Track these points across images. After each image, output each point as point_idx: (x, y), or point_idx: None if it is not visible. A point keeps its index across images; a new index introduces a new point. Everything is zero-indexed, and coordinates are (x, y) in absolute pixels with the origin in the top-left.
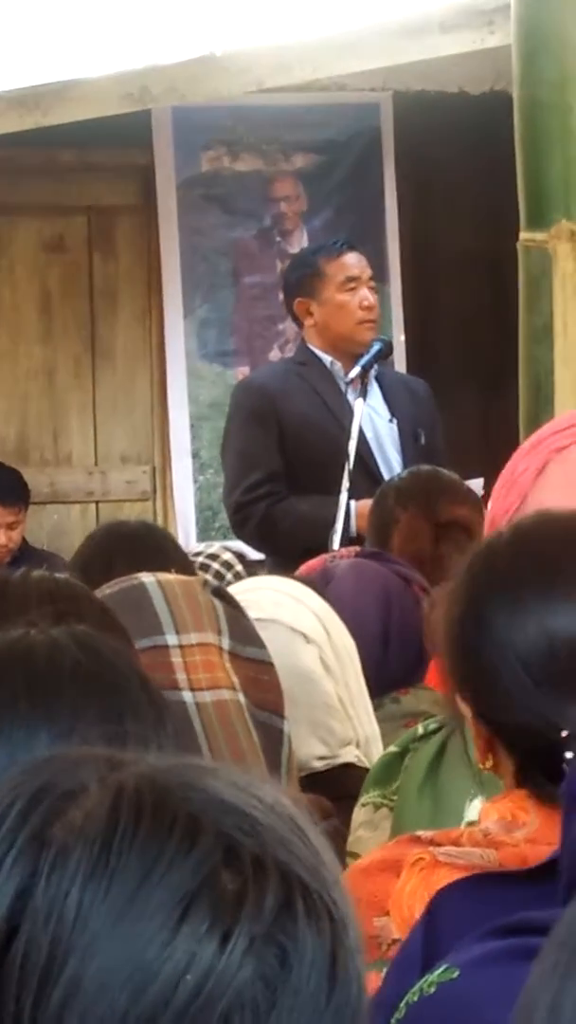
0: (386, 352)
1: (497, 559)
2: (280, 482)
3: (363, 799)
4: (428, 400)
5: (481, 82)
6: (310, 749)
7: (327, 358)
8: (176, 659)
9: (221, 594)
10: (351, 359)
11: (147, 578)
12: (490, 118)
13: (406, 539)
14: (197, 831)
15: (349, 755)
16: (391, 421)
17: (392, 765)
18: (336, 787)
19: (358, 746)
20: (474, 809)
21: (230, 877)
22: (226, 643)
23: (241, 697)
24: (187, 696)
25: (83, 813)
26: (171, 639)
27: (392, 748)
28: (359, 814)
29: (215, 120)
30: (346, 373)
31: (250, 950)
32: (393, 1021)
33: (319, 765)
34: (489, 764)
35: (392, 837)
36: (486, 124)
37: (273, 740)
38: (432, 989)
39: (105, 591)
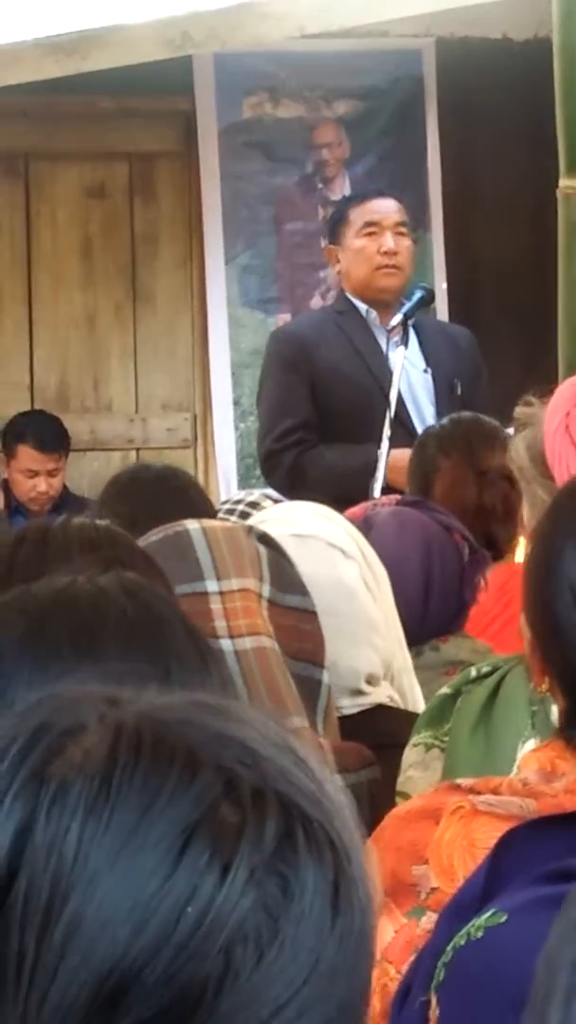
0: (428, 300)
1: None
2: (311, 430)
3: (414, 739)
4: (470, 350)
5: (524, 28)
6: (353, 662)
7: (363, 306)
8: (216, 606)
9: (266, 540)
10: (385, 307)
11: (191, 524)
12: (533, 64)
13: (449, 487)
14: (196, 765)
15: (382, 694)
16: (425, 371)
17: (445, 706)
18: (370, 733)
19: (392, 681)
20: (527, 750)
21: (230, 809)
22: (266, 591)
23: (269, 642)
24: (226, 644)
25: (82, 750)
26: (211, 585)
27: (445, 689)
28: (410, 754)
29: (257, 66)
30: (382, 322)
31: (251, 881)
32: (440, 964)
33: (363, 687)
34: (545, 687)
35: (444, 778)
36: (529, 70)
37: (310, 691)
38: (480, 934)
39: (150, 538)
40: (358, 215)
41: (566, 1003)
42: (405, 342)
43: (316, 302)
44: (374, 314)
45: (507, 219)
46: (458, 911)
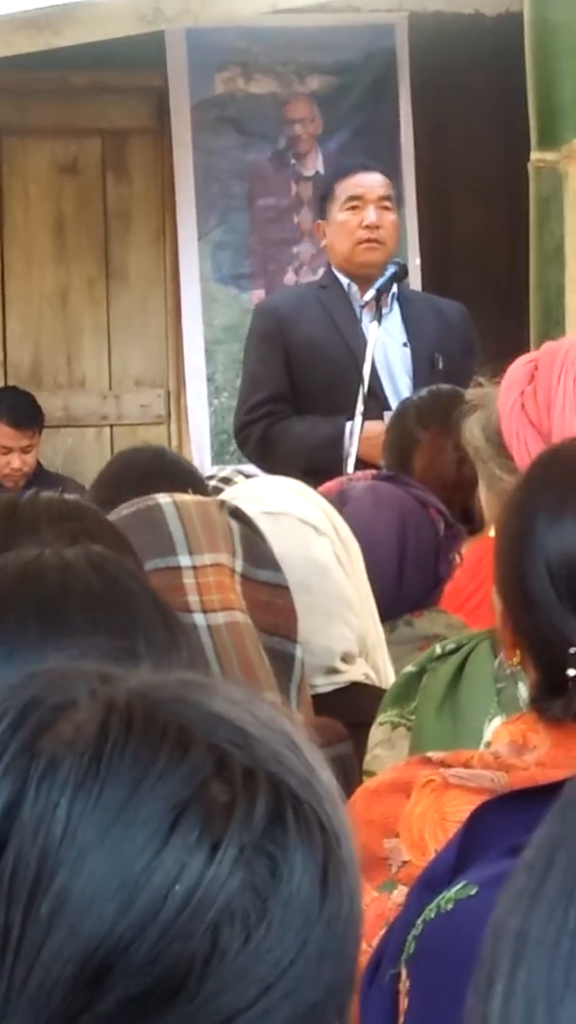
0: (400, 275)
1: (559, 464)
2: (284, 403)
3: (380, 718)
4: (462, 325)
5: (496, 3)
6: (328, 641)
7: (345, 281)
8: (188, 580)
9: (238, 515)
10: (367, 281)
11: (163, 499)
12: (506, 40)
13: (429, 460)
14: (188, 743)
15: (357, 672)
16: (405, 345)
17: (410, 684)
18: (345, 711)
19: (367, 658)
20: (493, 728)
21: (220, 788)
22: (239, 565)
23: (241, 616)
24: (199, 618)
25: (73, 725)
26: (184, 560)
27: (410, 668)
28: (376, 733)
29: (229, 42)
30: (363, 295)
31: (240, 860)
32: (410, 937)
33: (337, 665)
34: (516, 660)
35: (410, 756)
36: (502, 46)
37: (284, 666)
38: (449, 906)
39: (122, 512)
40: (343, 189)
41: (510, 973)
42: (379, 317)
43: (289, 278)
44: (355, 288)
45: (480, 194)
46: (429, 884)
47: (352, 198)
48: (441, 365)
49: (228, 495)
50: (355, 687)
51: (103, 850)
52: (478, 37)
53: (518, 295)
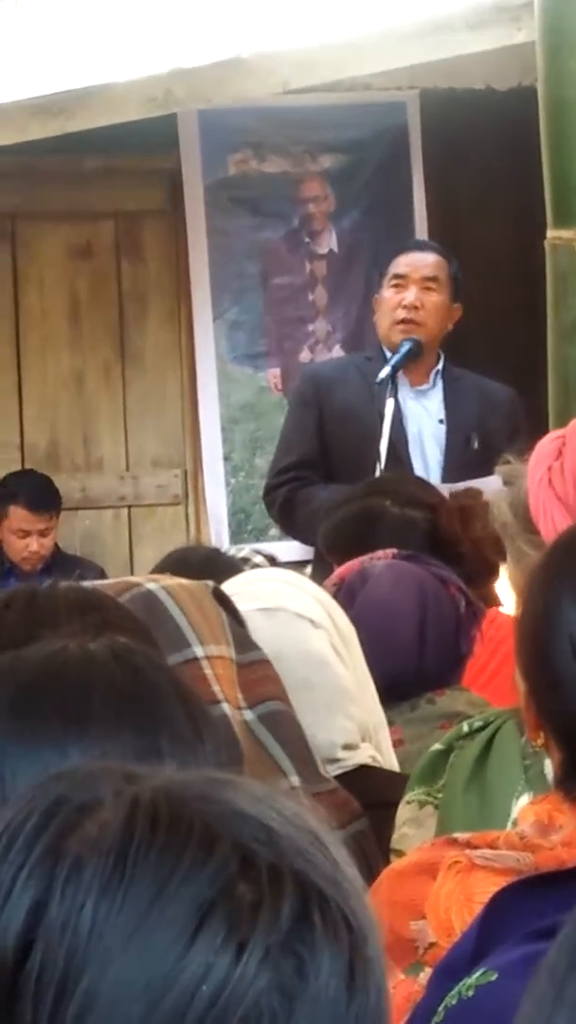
0: (416, 352)
1: None
2: (311, 468)
3: (407, 796)
4: (507, 407)
5: (508, 78)
6: (330, 734)
7: (388, 354)
8: (208, 671)
9: (221, 598)
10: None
11: (150, 584)
12: (518, 114)
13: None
14: (213, 841)
15: (364, 754)
16: (440, 422)
17: (437, 763)
18: (354, 793)
19: (369, 740)
20: (520, 806)
21: (246, 887)
22: (234, 653)
23: (248, 714)
24: (227, 708)
25: (98, 826)
26: (198, 651)
27: (437, 746)
28: (404, 811)
29: (241, 122)
30: (406, 373)
31: (266, 960)
32: None
33: (341, 755)
34: (540, 741)
35: (438, 834)
36: (514, 120)
37: (299, 729)
38: (471, 993)
39: (121, 597)
40: (393, 266)
41: None
42: (395, 393)
43: (305, 356)
44: None
45: (494, 269)
46: (450, 970)
47: (397, 276)
48: (477, 445)
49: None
50: (363, 769)
51: (129, 951)
52: (490, 112)
53: (536, 371)
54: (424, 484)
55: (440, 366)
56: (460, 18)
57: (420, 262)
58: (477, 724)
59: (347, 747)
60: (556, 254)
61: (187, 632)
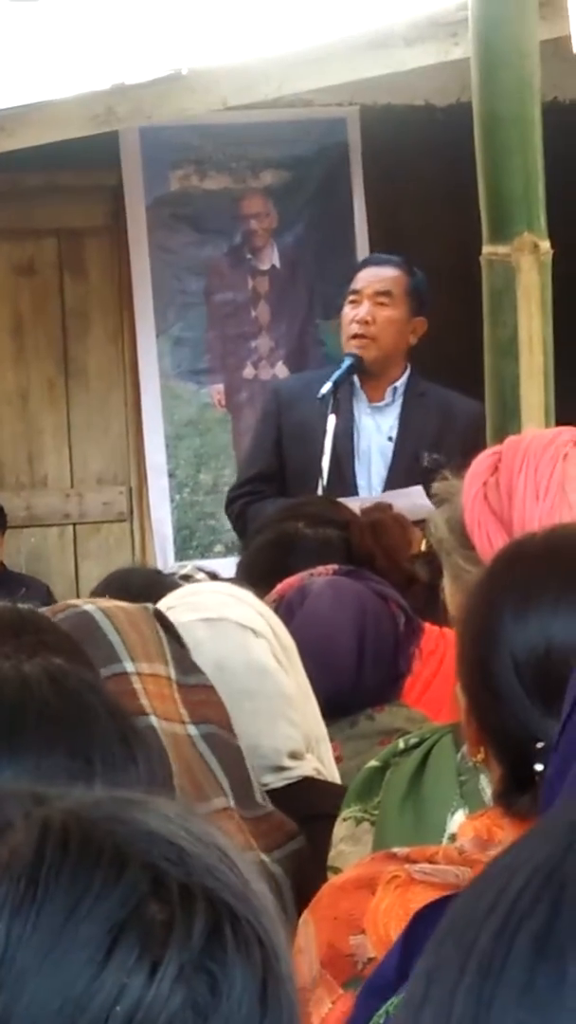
0: (356, 367)
1: (522, 559)
2: (267, 482)
3: (344, 813)
4: (464, 422)
5: (447, 94)
6: (274, 741)
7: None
8: (137, 686)
9: (162, 620)
10: (365, 374)
11: (88, 606)
12: (457, 130)
13: None
14: (123, 862)
15: (308, 767)
16: (389, 440)
17: (373, 779)
18: (297, 806)
19: (312, 751)
20: (456, 822)
21: (158, 907)
22: (173, 673)
23: (192, 728)
24: (154, 721)
25: (8, 849)
26: (129, 666)
27: (373, 762)
28: (340, 828)
29: (183, 139)
30: (365, 387)
31: (180, 979)
32: None
33: (286, 763)
34: (480, 756)
35: (374, 850)
36: (453, 136)
37: (238, 756)
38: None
39: (52, 619)
40: (353, 281)
41: None
42: (336, 409)
43: (248, 372)
44: (355, 378)
45: (434, 284)
46: (375, 990)
47: (352, 291)
48: (427, 462)
49: (165, 604)
50: (306, 781)
51: (43, 973)
52: (429, 128)
53: (476, 386)
54: (333, 503)
55: (401, 382)
56: (398, 34)
57: (374, 277)
58: (413, 740)
59: (292, 755)
60: (492, 270)
61: (119, 649)
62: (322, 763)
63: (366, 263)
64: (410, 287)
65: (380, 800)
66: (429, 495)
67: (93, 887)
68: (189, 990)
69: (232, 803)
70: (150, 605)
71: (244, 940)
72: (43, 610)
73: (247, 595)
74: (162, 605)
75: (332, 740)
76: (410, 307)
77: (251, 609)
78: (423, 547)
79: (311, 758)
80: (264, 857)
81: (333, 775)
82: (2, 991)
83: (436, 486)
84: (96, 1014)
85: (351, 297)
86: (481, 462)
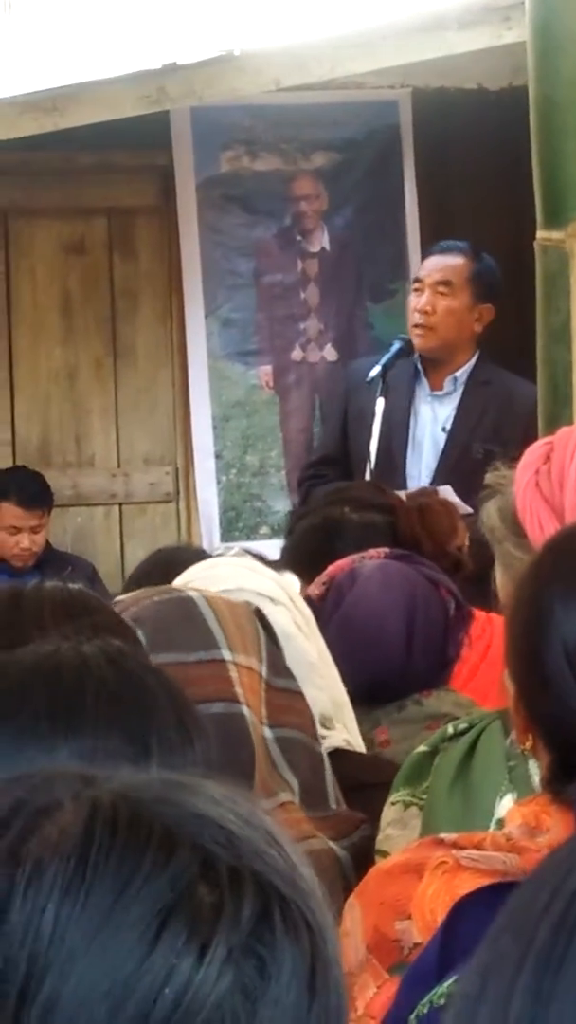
0: (406, 351)
1: (571, 546)
2: (332, 466)
3: (392, 797)
4: (525, 412)
5: (499, 78)
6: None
7: (416, 356)
8: (233, 674)
9: (263, 621)
10: (428, 362)
11: (192, 592)
12: (509, 114)
13: None
14: (172, 844)
15: (338, 738)
16: (443, 430)
17: (422, 764)
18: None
19: (335, 717)
20: (504, 807)
21: (207, 889)
22: (265, 672)
23: (267, 731)
24: (245, 711)
25: (58, 829)
26: (227, 655)
27: (422, 747)
28: (388, 812)
29: (234, 120)
30: (428, 377)
31: (228, 961)
32: None
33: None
34: (529, 744)
35: (422, 835)
36: (505, 120)
37: (317, 761)
38: (442, 1001)
39: (153, 599)
40: (418, 270)
41: None
42: (384, 392)
43: (296, 354)
44: (419, 366)
45: None
46: (417, 978)
47: (416, 280)
48: (480, 455)
49: (184, 578)
50: (337, 753)
51: (91, 954)
52: (481, 112)
53: (526, 371)
54: (379, 488)
55: (463, 371)
56: (451, 17)
57: (435, 266)
58: (462, 726)
59: (324, 722)
60: (546, 255)
61: (218, 636)
62: (347, 729)
63: (432, 251)
64: (473, 273)
65: (429, 785)
66: (479, 487)
67: (143, 868)
68: (238, 973)
69: (297, 801)
70: (252, 602)
71: (293, 924)
72: (143, 592)
73: (261, 567)
74: (180, 580)
75: (379, 724)
76: (474, 294)
77: (267, 580)
78: (466, 541)
79: (341, 728)
80: (332, 844)
81: (357, 742)
82: (50, 973)
83: (488, 476)
84: (144, 996)
85: (415, 286)
86: (534, 451)
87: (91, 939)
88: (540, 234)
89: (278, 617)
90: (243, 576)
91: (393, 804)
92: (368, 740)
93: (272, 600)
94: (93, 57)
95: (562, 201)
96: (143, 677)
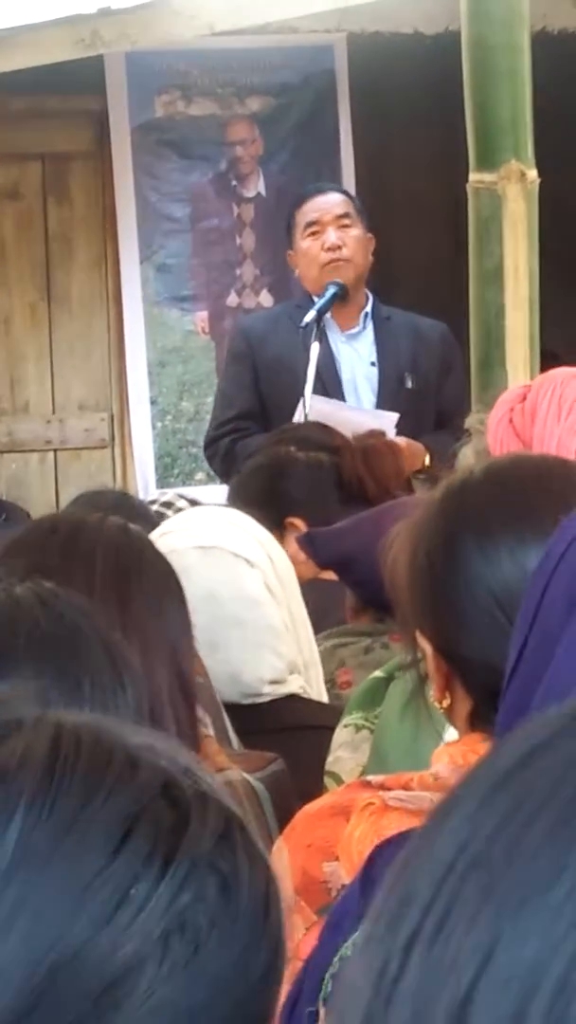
0: (341, 295)
1: (472, 496)
2: (251, 420)
3: (345, 720)
4: (440, 345)
5: (435, 22)
6: (258, 671)
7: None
8: None
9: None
10: (341, 300)
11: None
12: (445, 59)
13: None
14: (136, 764)
15: (294, 684)
16: (372, 365)
17: (377, 689)
18: (280, 718)
19: (300, 672)
20: (452, 734)
21: (169, 806)
22: None
23: None
24: None
25: (24, 742)
26: None
27: (378, 673)
28: (340, 734)
29: (168, 64)
30: (337, 316)
31: (191, 875)
32: (327, 976)
33: (267, 690)
34: (446, 703)
35: (371, 758)
36: (441, 65)
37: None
38: (348, 951)
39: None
40: (301, 216)
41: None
42: (321, 337)
43: (232, 299)
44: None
45: (421, 213)
46: (338, 922)
47: (310, 223)
48: (411, 384)
49: (161, 530)
50: (292, 697)
51: (56, 861)
52: (417, 56)
53: (460, 315)
54: (326, 428)
55: (369, 307)
56: None
57: (328, 203)
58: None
59: (274, 682)
60: (478, 198)
61: None
62: (309, 685)
63: (307, 196)
64: (357, 206)
65: (381, 709)
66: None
67: (107, 782)
68: (200, 887)
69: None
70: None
71: (252, 845)
72: None
73: (246, 520)
74: (159, 530)
75: (344, 665)
76: (364, 225)
77: (248, 536)
78: (426, 462)
79: (296, 677)
80: (247, 776)
81: (320, 696)
82: (16, 877)
83: (468, 420)
84: (106, 902)
85: (311, 229)
86: (512, 390)
87: (55, 846)
88: (473, 177)
89: (251, 582)
90: (222, 532)
91: (345, 727)
92: (330, 681)
93: (248, 562)
94: (26, 1)
95: (494, 143)
96: (75, 618)
